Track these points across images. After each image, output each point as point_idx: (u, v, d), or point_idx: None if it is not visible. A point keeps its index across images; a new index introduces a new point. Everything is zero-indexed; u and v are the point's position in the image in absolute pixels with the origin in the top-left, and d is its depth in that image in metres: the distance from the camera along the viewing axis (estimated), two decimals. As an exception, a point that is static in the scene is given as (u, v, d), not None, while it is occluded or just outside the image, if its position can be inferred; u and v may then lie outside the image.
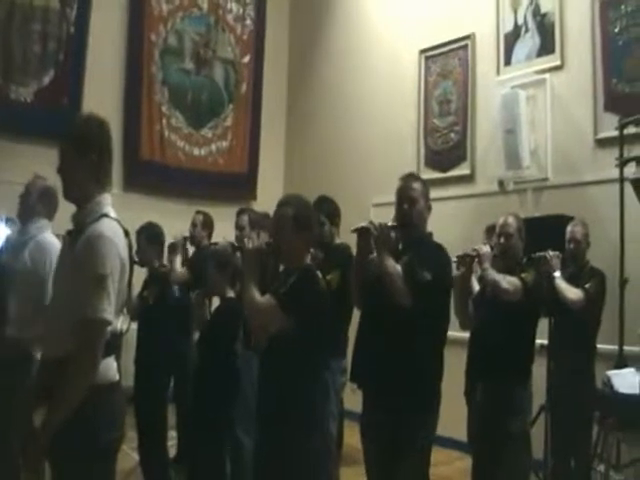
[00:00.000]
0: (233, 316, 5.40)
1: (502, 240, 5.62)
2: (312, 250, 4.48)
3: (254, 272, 4.21)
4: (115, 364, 3.34)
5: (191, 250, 7.63)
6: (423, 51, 9.96)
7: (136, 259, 6.33)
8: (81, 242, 3.18)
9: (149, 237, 6.41)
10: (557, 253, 6.25)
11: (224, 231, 7.00)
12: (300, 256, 4.25)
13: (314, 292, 4.21)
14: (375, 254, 4.62)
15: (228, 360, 5.42)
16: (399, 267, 4.50)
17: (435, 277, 4.44)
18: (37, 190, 5.30)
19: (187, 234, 7.45)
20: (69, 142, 3.35)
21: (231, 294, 5.49)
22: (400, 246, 4.74)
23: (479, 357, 5.61)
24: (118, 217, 3.37)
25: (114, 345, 3.30)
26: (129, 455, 6.69)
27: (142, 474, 6.33)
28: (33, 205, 5.25)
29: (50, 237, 5.15)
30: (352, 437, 6.96)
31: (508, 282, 5.33)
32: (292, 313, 4.01)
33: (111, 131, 3.46)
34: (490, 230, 6.38)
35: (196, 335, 5.81)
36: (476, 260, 5.52)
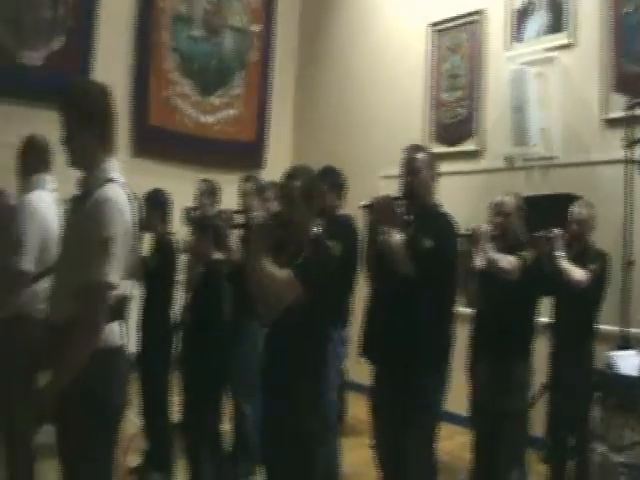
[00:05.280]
0: (222, 279, 5.45)
1: (499, 219, 5.64)
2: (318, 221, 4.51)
3: (265, 247, 4.22)
4: (120, 329, 3.35)
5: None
6: (433, 25, 9.92)
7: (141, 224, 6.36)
8: (87, 207, 3.20)
9: (154, 203, 6.40)
10: (561, 232, 6.23)
11: (231, 199, 6.99)
12: (307, 227, 4.28)
13: (328, 263, 4.29)
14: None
15: (218, 323, 5.47)
16: (401, 237, 4.53)
17: (437, 244, 4.49)
18: (26, 144, 5.26)
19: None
20: (70, 110, 3.35)
21: (218, 256, 5.52)
22: (408, 217, 4.77)
23: (482, 334, 5.66)
24: (126, 182, 3.38)
25: (120, 310, 3.32)
26: (132, 420, 6.74)
27: (145, 439, 6.40)
28: (23, 160, 5.22)
29: (37, 194, 5.06)
30: (356, 408, 7.04)
31: (506, 261, 5.36)
32: (309, 284, 4.05)
33: (112, 95, 3.46)
34: (494, 207, 6.38)
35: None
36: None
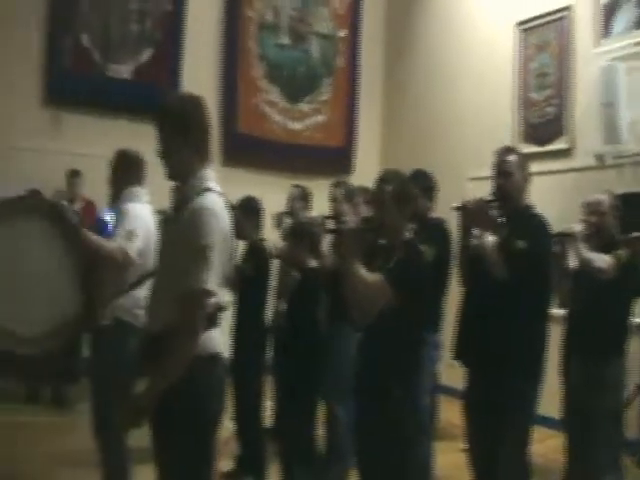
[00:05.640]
0: (318, 286, 5.49)
1: (594, 218, 5.58)
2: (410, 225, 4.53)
3: (356, 251, 4.26)
4: (218, 336, 3.39)
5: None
6: (520, 23, 9.84)
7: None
8: (185, 215, 3.25)
9: (247, 210, 6.47)
10: None
11: (321, 204, 7.05)
12: (400, 231, 4.31)
13: (420, 267, 4.30)
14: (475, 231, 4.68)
15: (314, 330, 5.52)
16: (494, 240, 4.55)
17: (530, 245, 4.49)
18: (121, 158, 5.34)
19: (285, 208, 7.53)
20: (165, 124, 3.41)
21: (313, 264, 5.56)
22: (501, 219, 4.78)
23: (575, 334, 5.61)
24: (221, 190, 3.43)
25: (215, 317, 3.36)
26: (225, 425, 6.83)
27: (237, 444, 6.49)
28: (116, 173, 5.30)
29: (136, 206, 5.15)
30: (449, 412, 7.02)
31: (602, 260, 5.31)
32: (401, 289, 4.06)
33: (206, 105, 3.51)
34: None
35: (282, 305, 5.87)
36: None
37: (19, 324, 4.81)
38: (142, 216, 5.08)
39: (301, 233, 5.63)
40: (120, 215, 5.10)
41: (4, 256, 4.83)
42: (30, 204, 5.06)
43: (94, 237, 4.94)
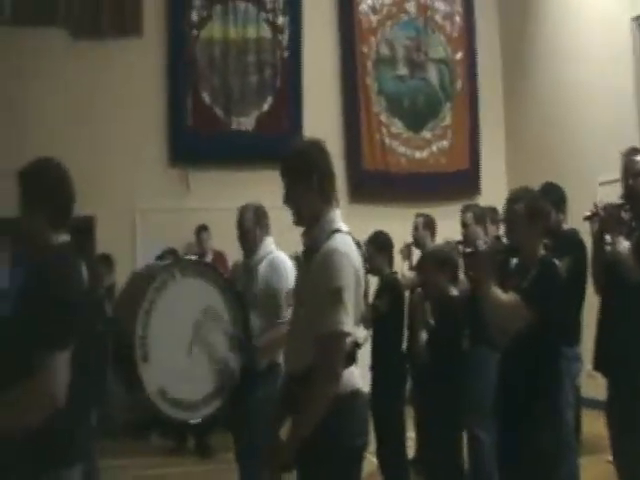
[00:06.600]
0: (459, 315, 5.47)
1: None
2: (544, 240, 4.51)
3: (492, 272, 4.28)
4: (357, 372, 3.43)
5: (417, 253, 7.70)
6: (635, 18, 9.63)
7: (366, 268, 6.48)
8: (317, 259, 3.32)
9: (378, 245, 6.52)
10: None
11: (451, 229, 7.04)
12: (534, 248, 4.30)
13: (556, 283, 4.26)
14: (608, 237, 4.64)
15: (455, 359, 5.50)
16: (627, 244, 4.49)
17: None
18: (250, 213, 5.50)
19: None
20: (289, 171, 3.49)
21: (454, 292, 5.54)
22: (634, 222, 4.74)
23: None
24: (349, 230, 3.48)
25: (352, 355, 3.41)
26: (368, 459, 6.83)
27: (381, 477, 6.46)
28: (252, 228, 5.44)
29: (280, 255, 5.33)
30: (592, 424, 6.86)
31: None
32: (537, 307, 4.05)
33: (326, 148, 3.56)
34: None
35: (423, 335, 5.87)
36: None
37: (184, 390, 4.98)
38: (287, 265, 5.25)
39: (443, 262, 5.63)
40: (269, 272, 5.27)
41: (172, 319, 5.02)
42: (186, 266, 5.27)
43: (262, 342, 5.13)
